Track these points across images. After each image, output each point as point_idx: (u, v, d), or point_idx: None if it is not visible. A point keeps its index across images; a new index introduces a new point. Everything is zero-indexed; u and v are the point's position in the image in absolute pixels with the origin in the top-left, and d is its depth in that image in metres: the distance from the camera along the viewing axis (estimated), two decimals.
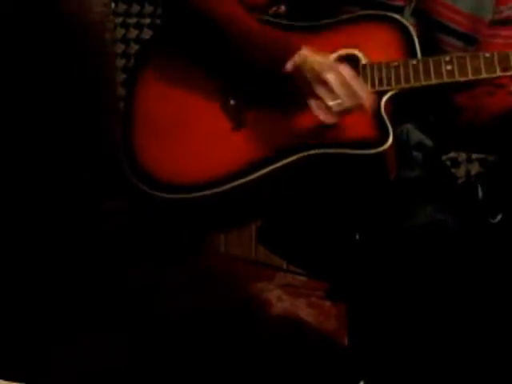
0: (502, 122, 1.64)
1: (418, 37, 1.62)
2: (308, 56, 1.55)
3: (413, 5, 1.66)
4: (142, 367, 2.24)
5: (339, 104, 1.50)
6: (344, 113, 1.52)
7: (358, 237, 1.57)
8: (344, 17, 1.67)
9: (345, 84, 1.50)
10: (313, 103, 1.52)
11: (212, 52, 1.67)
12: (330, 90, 1.50)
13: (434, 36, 1.66)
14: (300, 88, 1.55)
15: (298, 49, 1.56)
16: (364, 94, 1.51)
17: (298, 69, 1.55)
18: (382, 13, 1.64)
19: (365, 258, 1.56)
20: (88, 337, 2.35)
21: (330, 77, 1.50)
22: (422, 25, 1.65)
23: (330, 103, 1.50)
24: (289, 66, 1.56)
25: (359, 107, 1.51)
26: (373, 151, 1.52)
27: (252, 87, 1.64)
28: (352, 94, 1.50)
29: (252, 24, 1.64)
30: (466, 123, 1.71)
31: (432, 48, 1.63)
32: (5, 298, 2.39)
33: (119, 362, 2.24)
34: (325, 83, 1.50)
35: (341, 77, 1.50)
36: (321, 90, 1.51)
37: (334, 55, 1.64)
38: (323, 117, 1.51)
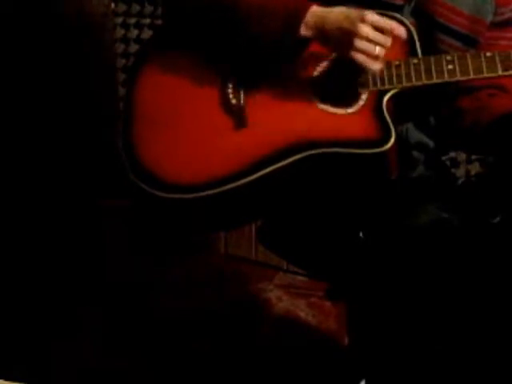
0: (502, 124, 1.64)
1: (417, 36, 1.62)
2: (323, 15, 1.55)
3: (412, 4, 1.66)
4: (142, 366, 2.24)
5: (383, 48, 1.52)
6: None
7: (361, 236, 1.57)
8: None
9: (379, 29, 1.51)
10: (361, 59, 1.52)
11: (220, 33, 1.64)
12: (371, 40, 1.51)
13: (432, 36, 1.66)
14: (336, 49, 1.56)
15: (308, 9, 1.55)
16: (396, 26, 1.52)
17: (320, 33, 1.55)
18: (383, 12, 1.64)
19: (368, 257, 1.56)
20: (88, 335, 2.35)
21: (367, 30, 1.50)
22: (421, 24, 1.65)
23: (377, 51, 1.51)
24: (304, 29, 1.55)
25: (397, 37, 1.53)
26: (375, 150, 1.52)
27: (255, 82, 1.63)
28: (388, 33, 1.51)
29: None
30: (467, 125, 1.71)
31: (430, 48, 1.63)
32: (5, 297, 2.39)
33: (119, 361, 2.24)
34: (363, 37, 1.51)
35: (370, 23, 1.51)
36: (364, 45, 1.51)
37: (334, 55, 1.64)
38: (375, 66, 1.53)
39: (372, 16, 1.51)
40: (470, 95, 1.70)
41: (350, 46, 1.52)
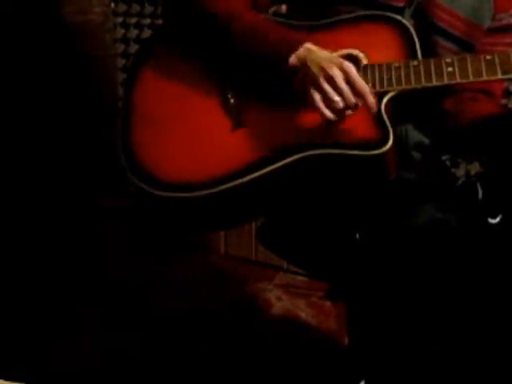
0: (476, 129, 1.65)
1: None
2: (314, 50, 1.55)
3: (413, 7, 1.66)
4: (142, 366, 2.24)
5: (343, 100, 1.51)
6: (345, 110, 1.52)
7: (358, 236, 1.57)
8: (344, 17, 1.66)
9: (351, 81, 1.50)
10: (317, 97, 1.52)
11: (214, 49, 1.66)
12: (335, 86, 1.50)
13: (430, 38, 1.66)
14: (304, 82, 1.55)
15: (303, 43, 1.56)
16: (368, 93, 1.51)
17: (302, 63, 1.55)
18: (383, 13, 1.64)
19: (365, 257, 1.56)
20: (88, 335, 2.35)
21: (337, 72, 1.51)
22: (420, 27, 1.65)
23: (335, 98, 1.51)
24: (293, 59, 1.56)
25: (363, 105, 1.51)
26: (373, 152, 1.52)
27: (253, 84, 1.64)
28: (357, 91, 1.51)
29: (256, 19, 1.64)
30: (451, 127, 1.72)
31: (429, 51, 1.63)
32: (5, 297, 2.39)
33: (119, 360, 2.24)
34: (331, 79, 1.50)
35: (347, 74, 1.51)
36: (326, 85, 1.51)
37: (334, 55, 1.64)
38: (325, 112, 1.52)
39: (350, 68, 1.51)
40: (454, 98, 1.70)
41: (315, 82, 1.52)
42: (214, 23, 1.64)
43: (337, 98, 1.50)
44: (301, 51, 1.55)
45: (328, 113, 1.52)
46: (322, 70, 1.51)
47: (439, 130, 1.74)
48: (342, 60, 1.53)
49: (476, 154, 1.84)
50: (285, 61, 1.56)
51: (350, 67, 1.51)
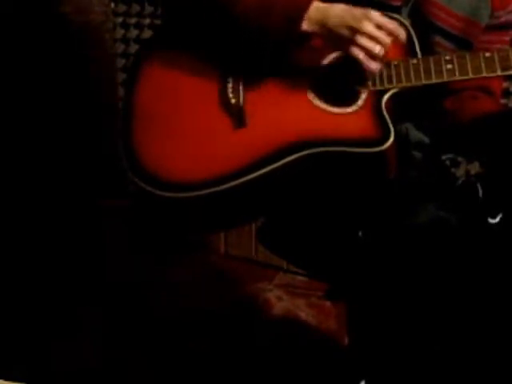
0: (480, 124, 1.65)
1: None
2: (326, 9, 1.55)
3: (410, 5, 1.67)
4: (142, 366, 2.24)
5: (383, 47, 1.52)
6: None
7: (360, 235, 1.57)
8: None
9: (381, 27, 1.52)
10: (361, 56, 1.53)
11: (221, 30, 1.64)
12: (372, 38, 1.52)
13: (428, 37, 1.67)
14: (336, 44, 1.57)
15: (309, 3, 1.56)
16: (398, 28, 1.54)
17: (322, 26, 1.55)
18: (382, 12, 1.64)
19: (367, 256, 1.56)
20: (88, 335, 2.35)
21: (369, 27, 1.52)
22: (417, 25, 1.65)
23: (377, 49, 1.52)
24: (306, 24, 1.56)
25: (398, 39, 1.54)
26: (374, 149, 1.52)
27: (254, 82, 1.63)
28: (389, 32, 1.52)
29: None
30: (451, 126, 1.72)
31: (426, 49, 1.64)
32: (5, 297, 2.39)
33: (119, 360, 2.24)
34: (366, 34, 1.51)
35: (374, 21, 1.52)
36: (366, 42, 1.52)
37: (334, 55, 1.64)
38: (373, 66, 1.54)
39: (376, 15, 1.52)
40: (454, 96, 1.71)
41: (352, 41, 1.52)
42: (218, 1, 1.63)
43: (378, 48, 1.52)
44: (312, 14, 1.55)
45: (375, 65, 1.54)
46: (353, 29, 1.52)
47: (439, 130, 1.74)
48: (363, 10, 1.54)
49: (476, 152, 1.84)
50: (297, 27, 1.55)
51: (374, 14, 1.53)
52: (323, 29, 1.55)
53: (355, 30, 1.52)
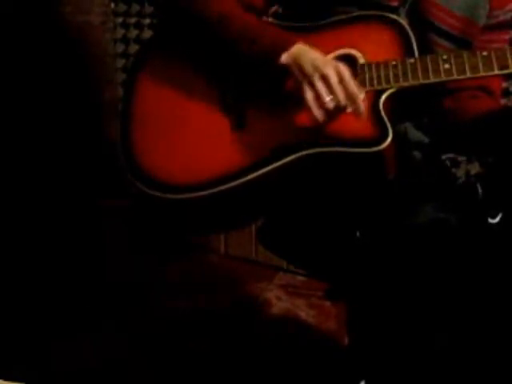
0: (475, 125, 1.65)
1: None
2: (306, 49, 1.56)
3: (407, 5, 1.67)
4: (142, 366, 2.24)
5: (334, 100, 1.51)
6: (336, 111, 1.52)
7: (358, 235, 1.57)
8: (341, 17, 1.67)
9: (343, 82, 1.51)
10: (309, 95, 1.53)
11: (208, 50, 1.67)
12: (328, 86, 1.51)
13: (426, 37, 1.67)
14: (297, 81, 1.56)
15: (295, 42, 1.57)
16: (360, 95, 1.52)
17: (295, 61, 1.55)
18: (379, 13, 1.64)
19: (366, 256, 1.56)
20: (88, 335, 2.35)
21: (331, 72, 1.51)
22: (415, 25, 1.65)
23: (327, 98, 1.51)
24: (285, 57, 1.56)
25: (353, 108, 1.52)
26: (372, 149, 1.52)
27: (250, 84, 1.64)
28: (349, 93, 1.51)
29: (248, 19, 1.65)
30: (451, 126, 1.72)
31: (424, 49, 1.64)
32: (5, 297, 2.39)
33: (119, 360, 2.24)
34: (324, 78, 1.51)
35: (340, 74, 1.51)
36: (319, 84, 1.52)
37: (332, 55, 1.64)
38: (316, 112, 1.52)
39: (344, 70, 1.52)
40: (454, 96, 1.71)
41: (309, 80, 1.52)
42: (206, 22, 1.64)
43: (328, 98, 1.51)
44: (293, 50, 1.56)
45: (318, 112, 1.52)
46: (317, 69, 1.52)
47: (439, 129, 1.74)
48: (336, 62, 1.54)
49: (476, 152, 1.84)
50: (276, 59, 1.56)
51: (345, 70, 1.52)
52: (295, 64, 1.55)
53: (317, 70, 1.51)
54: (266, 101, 1.63)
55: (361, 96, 1.52)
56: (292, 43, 1.57)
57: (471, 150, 1.91)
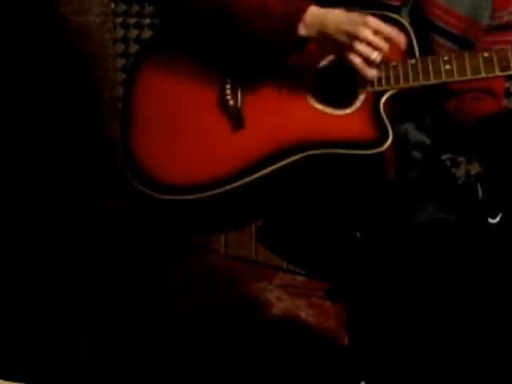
0: (477, 127, 1.65)
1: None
2: (323, 15, 1.55)
3: (409, 5, 1.66)
4: (142, 366, 2.24)
5: (380, 53, 1.53)
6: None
7: (358, 236, 1.57)
8: None
9: (379, 31, 1.52)
10: (358, 62, 1.53)
11: (218, 33, 1.64)
12: (370, 44, 1.52)
13: (428, 37, 1.66)
14: (333, 49, 1.57)
15: (306, 8, 1.56)
16: (396, 33, 1.54)
17: (320, 32, 1.55)
18: (381, 12, 1.64)
19: (366, 256, 1.56)
20: (88, 335, 2.35)
21: (367, 33, 1.52)
22: (417, 25, 1.65)
23: (375, 55, 1.52)
24: (303, 29, 1.56)
25: (395, 44, 1.54)
26: (372, 151, 1.52)
27: (252, 83, 1.63)
28: (387, 37, 1.53)
29: None
30: (454, 127, 1.72)
31: (426, 49, 1.63)
32: (5, 297, 2.39)
33: (119, 360, 2.24)
34: (364, 40, 1.52)
35: (372, 27, 1.52)
36: (363, 48, 1.52)
37: (332, 56, 1.64)
38: (370, 72, 1.54)
39: (374, 20, 1.52)
40: (456, 98, 1.71)
41: (349, 47, 1.52)
42: (213, 7, 1.63)
43: (375, 54, 1.52)
44: (309, 20, 1.55)
45: (372, 72, 1.54)
46: (350, 35, 1.52)
47: (440, 130, 1.74)
48: (360, 16, 1.54)
49: (478, 153, 1.84)
50: (294, 32, 1.56)
51: (372, 19, 1.53)
52: (320, 34, 1.55)
53: (352, 36, 1.52)
54: (266, 102, 1.63)
55: (396, 32, 1.54)
56: (304, 10, 1.55)
57: (473, 152, 1.91)
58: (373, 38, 1.51)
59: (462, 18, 1.66)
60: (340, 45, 1.54)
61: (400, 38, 1.54)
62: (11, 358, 2.15)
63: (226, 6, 1.60)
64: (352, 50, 1.52)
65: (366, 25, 1.52)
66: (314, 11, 1.56)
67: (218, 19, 1.62)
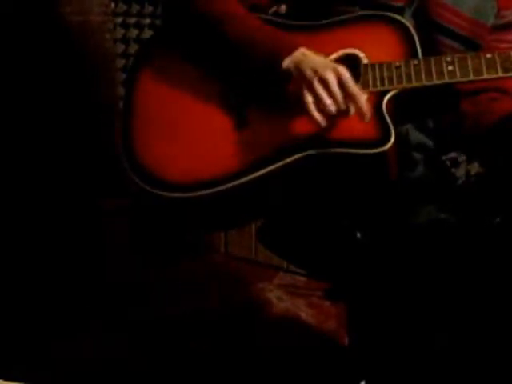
0: (501, 127, 1.64)
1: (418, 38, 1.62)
2: (308, 54, 1.56)
3: (413, 6, 1.66)
4: (142, 366, 2.24)
5: (335, 103, 1.51)
6: (340, 115, 1.52)
7: (359, 236, 1.57)
8: (345, 17, 1.67)
9: (344, 85, 1.51)
10: (309, 99, 1.53)
11: (211, 52, 1.67)
12: (328, 90, 1.51)
13: (433, 38, 1.66)
14: (298, 86, 1.56)
15: (297, 47, 1.57)
16: (361, 97, 1.51)
17: (296, 66, 1.55)
18: (383, 13, 1.64)
19: (366, 257, 1.56)
20: (88, 335, 2.35)
21: (330, 76, 1.51)
22: (421, 26, 1.65)
23: (327, 101, 1.51)
24: (286, 62, 1.56)
25: (356, 109, 1.51)
26: (374, 151, 1.52)
27: (252, 86, 1.64)
28: (349, 94, 1.51)
29: (251, 22, 1.65)
30: (468, 130, 1.71)
31: (431, 50, 1.63)
32: (5, 297, 2.39)
33: (119, 360, 2.24)
34: (324, 82, 1.51)
35: (340, 78, 1.51)
36: (319, 88, 1.51)
37: (335, 55, 1.64)
38: (316, 115, 1.52)
39: (343, 72, 1.52)
40: (471, 99, 1.70)
41: (309, 84, 1.52)
42: (209, 23, 1.65)
43: (329, 102, 1.51)
44: (295, 55, 1.56)
45: (318, 116, 1.52)
46: (316, 73, 1.52)
47: (448, 132, 1.74)
48: (336, 65, 1.54)
49: (491, 155, 1.82)
50: (278, 64, 1.57)
51: (344, 71, 1.52)
52: (296, 69, 1.55)
53: (317, 74, 1.51)
54: (268, 101, 1.63)
55: (363, 97, 1.52)
56: (294, 48, 1.57)
57: (489, 154, 1.89)
58: (332, 83, 1.50)
59: (467, 19, 1.66)
60: (304, 81, 1.53)
61: (363, 106, 1.50)
62: (11, 357, 2.15)
63: (224, 21, 1.63)
64: (311, 87, 1.52)
65: (334, 71, 1.51)
66: (303, 50, 1.57)
67: (216, 33, 1.65)
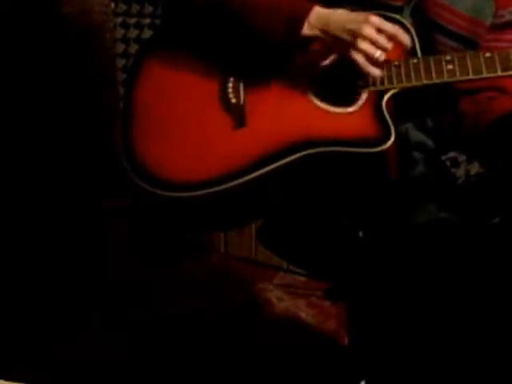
0: (501, 126, 1.64)
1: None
2: (327, 14, 1.56)
3: (411, 5, 1.67)
4: (142, 366, 2.24)
5: (384, 51, 1.53)
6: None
7: (360, 235, 1.57)
8: None
9: (383, 31, 1.53)
10: (361, 60, 1.54)
11: (221, 30, 1.65)
12: (373, 43, 1.52)
13: (431, 37, 1.67)
14: (332, 47, 1.57)
15: (311, 9, 1.57)
16: (400, 32, 1.54)
17: (324, 31, 1.56)
18: (382, 13, 1.64)
19: (367, 256, 1.56)
20: (88, 335, 2.35)
21: (370, 31, 1.52)
22: (420, 25, 1.65)
23: (378, 53, 1.52)
24: (307, 28, 1.56)
25: (399, 42, 1.54)
26: (374, 149, 1.52)
27: (253, 82, 1.64)
28: (390, 36, 1.53)
29: None
30: (468, 128, 1.71)
31: (430, 49, 1.64)
32: (5, 297, 2.39)
33: (119, 360, 2.24)
34: (366, 38, 1.52)
35: (375, 25, 1.53)
36: (367, 46, 1.52)
37: (336, 55, 1.64)
38: (374, 71, 1.54)
39: (377, 19, 1.53)
40: (470, 99, 1.70)
41: (352, 46, 1.52)
42: (221, 4, 1.63)
43: (378, 53, 1.53)
44: (314, 18, 1.56)
45: (375, 70, 1.54)
46: (354, 33, 1.53)
47: (447, 131, 1.74)
48: (364, 14, 1.54)
49: (491, 154, 1.83)
50: (298, 30, 1.56)
51: (374, 18, 1.53)
52: (324, 33, 1.56)
53: (355, 34, 1.52)
54: (269, 99, 1.63)
55: (400, 30, 1.54)
56: (309, 10, 1.56)
57: (487, 152, 1.89)
58: (376, 36, 1.52)
59: (465, 18, 1.66)
60: (343, 44, 1.54)
61: (404, 37, 1.54)
62: (11, 357, 2.15)
63: (231, 3, 1.61)
64: (355, 48, 1.53)
65: (369, 23, 1.52)
66: (318, 11, 1.56)
67: (220, 14, 1.62)
